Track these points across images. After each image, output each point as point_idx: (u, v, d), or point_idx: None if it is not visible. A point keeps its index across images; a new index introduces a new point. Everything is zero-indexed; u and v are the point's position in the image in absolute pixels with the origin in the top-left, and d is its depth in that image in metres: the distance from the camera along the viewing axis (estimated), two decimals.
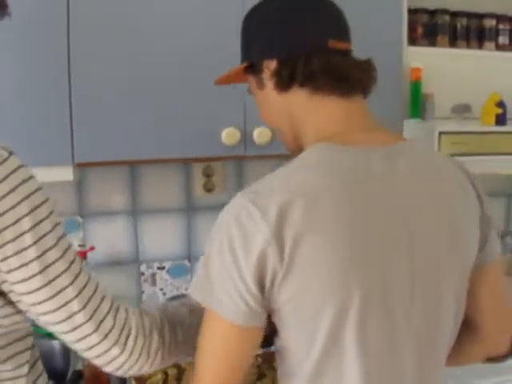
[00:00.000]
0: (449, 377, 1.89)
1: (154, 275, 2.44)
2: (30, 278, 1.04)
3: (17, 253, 1.02)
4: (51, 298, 1.06)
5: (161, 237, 2.43)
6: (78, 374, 1.96)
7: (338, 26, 1.26)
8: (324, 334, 1.13)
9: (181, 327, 1.30)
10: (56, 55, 1.78)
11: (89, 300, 1.11)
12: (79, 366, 1.98)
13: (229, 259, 1.11)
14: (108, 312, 1.14)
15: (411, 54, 2.16)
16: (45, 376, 1.28)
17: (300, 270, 1.09)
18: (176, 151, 1.93)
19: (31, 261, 1.03)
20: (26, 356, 1.18)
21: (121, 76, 1.85)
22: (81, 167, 2.02)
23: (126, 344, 1.16)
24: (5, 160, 1.02)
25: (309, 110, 1.24)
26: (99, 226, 2.36)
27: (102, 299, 1.14)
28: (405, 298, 1.17)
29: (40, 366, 1.27)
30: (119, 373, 1.20)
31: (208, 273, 1.15)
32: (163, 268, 2.44)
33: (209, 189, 2.40)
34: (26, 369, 1.18)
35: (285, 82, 1.24)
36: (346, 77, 1.21)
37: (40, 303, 1.07)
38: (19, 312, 1.12)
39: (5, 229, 1.00)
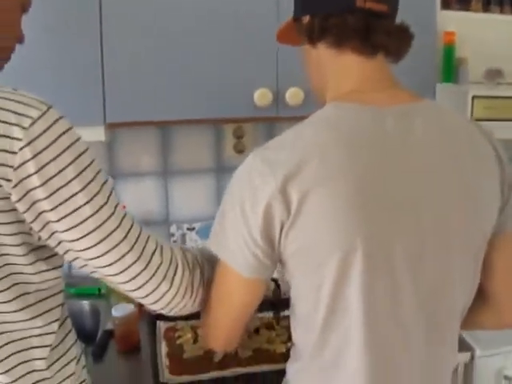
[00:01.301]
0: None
1: (183, 236, 2.45)
2: (81, 223, 1.07)
3: (66, 200, 1.04)
4: (101, 242, 1.09)
5: (191, 198, 2.43)
6: (108, 334, 1.97)
7: None
8: (328, 287, 1.16)
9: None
10: (89, 15, 1.78)
11: (136, 241, 1.15)
12: (109, 326, 1.99)
13: (239, 215, 1.16)
14: (155, 250, 1.18)
15: (445, 19, 2.15)
16: (74, 333, 1.30)
17: (306, 222, 1.12)
18: (207, 112, 1.92)
19: (81, 206, 1.06)
20: (57, 313, 1.21)
21: (152, 36, 1.84)
22: (112, 128, 2.02)
23: (173, 280, 1.20)
24: (44, 113, 1.03)
25: (330, 65, 1.27)
26: (130, 186, 2.38)
27: (148, 239, 1.18)
28: (411, 256, 1.17)
29: (69, 323, 1.30)
30: (165, 310, 1.25)
31: (223, 225, 1.21)
32: (193, 229, 2.45)
33: (239, 150, 2.39)
34: (55, 326, 1.20)
35: (309, 37, 1.27)
36: (366, 36, 1.21)
37: (90, 248, 1.09)
38: (51, 269, 1.14)
39: (51, 178, 1.02)
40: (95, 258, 1.11)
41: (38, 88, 1.69)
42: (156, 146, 2.37)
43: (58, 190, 1.03)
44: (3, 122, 1.00)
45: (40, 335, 1.16)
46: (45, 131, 1.02)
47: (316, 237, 1.13)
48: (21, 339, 1.15)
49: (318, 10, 1.24)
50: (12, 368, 1.15)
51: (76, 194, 1.05)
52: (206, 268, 1.30)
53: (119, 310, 1.94)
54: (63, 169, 1.03)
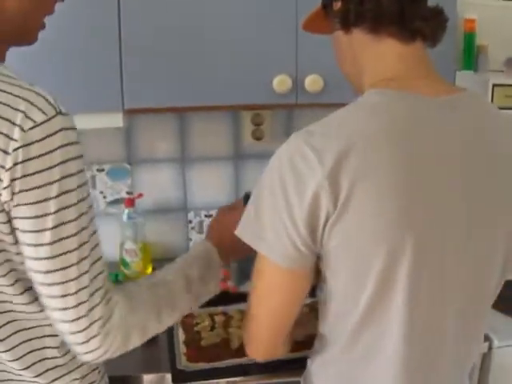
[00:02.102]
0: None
1: (201, 223, 2.46)
2: (40, 246, 1.03)
3: (37, 217, 1.01)
4: (55, 271, 1.05)
5: (208, 185, 2.43)
6: None
7: None
8: (374, 280, 1.12)
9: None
10: (107, 4, 1.77)
11: (86, 272, 1.08)
12: None
13: (281, 202, 1.11)
14: (99, 303, 1.11)
15: (465, 5, 2.13)
16: None
17: (353, 214, 1.08)
18: (225, 98, 1.91)
19: (46, 230, 1.02)
20: None
21: (170, 21, 1.83)
22: (130, 114, 2.02)
23: (105, 339, 1.12)
24: (49, 119, 1.00)
25: (367, 52, 1.24)
26: (147, 173, 2.38)
27: (99, 280, 1.11)
28: (457, 249, 1.15)
29: None
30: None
31: (258, 214, 1.16)
32: (211, 216, 2.44)
33: (257, 137, 2.37)
34: None
35: (343, 22, 1.24)
36: (402, 21, 1.18)
37: (40, 271, 1.06)
38: None
39: (32, 189, 1.00)
40: (40, 276, 1.06)
41: (57, 73, 1.72)
42: (174, 133, 2.36)
43: (33, 203, 1.01)
44: (9, 121, 0.98)
45: (51, 325, 1.15)
46: (42, 139, 0.99)
47: (362, 231, 1.09)
48: (33, 327, 1.15)
49: None
50: (24, 355, 1.15)
51: (48, 214, 1.01)
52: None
53: None
54: (47, 184, 1.00)
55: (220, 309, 1.98)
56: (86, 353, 1.12)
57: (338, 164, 1.06)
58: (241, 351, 1.72)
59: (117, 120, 1.86)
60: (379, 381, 1.22)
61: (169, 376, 1.68)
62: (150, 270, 2.30)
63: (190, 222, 2.45)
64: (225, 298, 1.75)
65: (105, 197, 2.37)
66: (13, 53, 1.13)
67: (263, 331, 1.28)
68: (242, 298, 1.84)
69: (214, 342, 1.82)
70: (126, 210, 2.25)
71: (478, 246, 1.18)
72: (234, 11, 1.85)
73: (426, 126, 1.14)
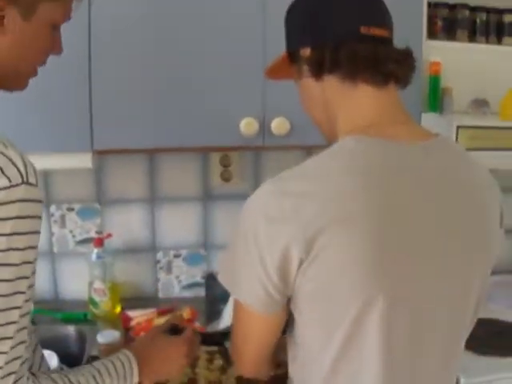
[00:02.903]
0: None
1: (169, 263, 2.46)
2: None
3: None
4: None
5: (177, 225, 2.43)
6: (94, 360, 1.93)
7: (372, 12, 1.20)
8: (348, 324, 1.10)
9: None
10: (77, 45, 1.78)
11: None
12: (94, 352, 1.97)
13: (253, 248, 1.10)
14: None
15: (430, 48, 2.13)
16: None
17: (325, 264, 1.06)
18: (194, 140, 1.93)
19: None
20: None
21: (139, 64, 1.85)
22: (100, 155, 2.02)
23: None
24: (8, 187, 0.94)
25: (341, 98, 1.21)
26: (117, 213, 2.38)
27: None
28: (431, 298, 1.15)
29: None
30: None
31: (233, 258, 1.16)
32: (179, 256, 2.45)
33: (226, 178, 2.39)
34: None
35: (315, 69, 1.20)
36: (376, 65, 1.17)
37: None
38: None
39: None
40: None
41: (25, 113, 1.73)
42: (144, 173, 2.37)
43: None
44: None
45: None
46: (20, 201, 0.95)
47: (336, 280, 1.08)
48: None
49: (319, 40, 1.19)
50: None
51: None
52: None
53: (104, 336, 1.93)
54: None
55: None
56: None
57: (313, 213, 1.05)
58: None
59: (86, 161, 1.87)
60: None
61: None
62: (118, 309, 2.29)
63: (159, 261, 2.45)
64: None
65: (74, 236, 2.37)
66: None
67: (247, 360, 1.30)
68: (210, 338, 1.85)
69: (181, 382, 1.80)
70: (95, 250, 2.25)
71: (453, 288, 1.17)
72: (204, 52, 1.88)
73: (401, 174, 1.12)
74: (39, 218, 1.00)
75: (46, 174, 2.26)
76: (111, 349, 1.86)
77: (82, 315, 2.26)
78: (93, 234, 2.37)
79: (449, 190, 1.16)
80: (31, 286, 1.01)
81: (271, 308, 1.15)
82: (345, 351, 1.13)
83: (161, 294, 2.48)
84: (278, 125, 1.92)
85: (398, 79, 1.21)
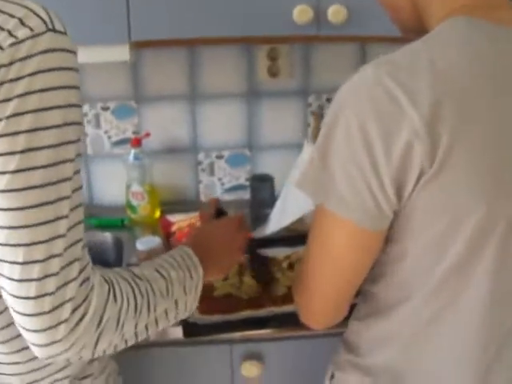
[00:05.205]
0: None
1: (211, 164, 2.35)
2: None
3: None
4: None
5: (220, 124, 2.30)
6: None
7: None
8: (458, 249, 0.99)
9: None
10: None
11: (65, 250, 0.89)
12: (133, 260, 1.88)
13: (360, 148, 0.94)
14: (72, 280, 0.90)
15: None
16: None
17: (453, 171, 0.93)
18: (239, 29, 1.77)
19: (7, 173, 0.85)
20: None
21: None
22: (137, 48, 1.93)
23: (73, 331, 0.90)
24: (37, 35, 0.84)
25: None
26: (155, 111, 2.25)
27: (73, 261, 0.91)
28: None
29: None
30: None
31: (326, 162, 0.99)
32: (222, 157, 2.34)
33: (273, 73, 2.23)
34: None
35: None
36: None
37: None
38: None
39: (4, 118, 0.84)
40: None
41: (56, 2, 1.58)
42: (183, 68, 2.22)
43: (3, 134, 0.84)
44: None
45: None
46: (24, 59, 0.83)
47: (459, 189, 0.95)
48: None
49: None
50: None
51: (14, 153, 0.84)
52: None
53: (144, 244, 1.83)
54: (19, 114, 0.83)
55: None
56: (40, 345, 0.90)
57: (435, 108, 0.90)
58: (257, 303, 1.67)
59: (123, 53, 1.74)
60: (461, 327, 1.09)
61: (179, 330, 1.58)
62: (157, 213, 2.23)
63: (200, 163, 2.34)
64: None
65: (109, 137, 2.26)
66: None
67: (329, 303, 1.13)
68: (257, 244, 1.82)
69: (228, 291, 1.72)
70: (133, 151, 2.16)
71: None
72: None
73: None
74: (74, 70, 0.90)
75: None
76: (151, 256, 1.75)
77: (118, 221, 2.20)
78: (130, 135, 2.26)
79: None
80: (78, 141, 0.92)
81: (377, 224, 0.99)
82: (454, 272, 1.02)
83: (202, 198, 2.39)
84: (335, 12, 1.73)
85: None
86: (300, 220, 1.98)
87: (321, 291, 1.11)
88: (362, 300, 1.21)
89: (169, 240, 2.02)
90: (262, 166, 2.35)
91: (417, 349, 1.12)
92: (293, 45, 2.22)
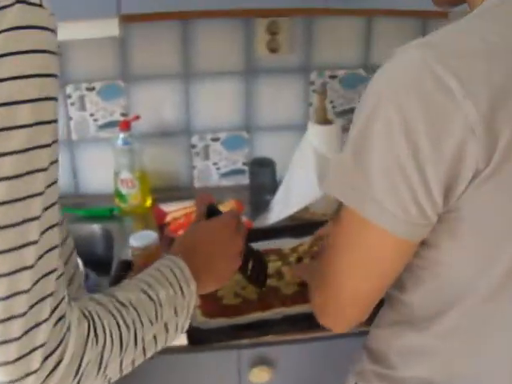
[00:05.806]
0: None
1: (206, 148, 2.25)
2: None
3: None
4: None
5: (215, 104, 2.21)
6: (127, 266, 1.74)
7: None
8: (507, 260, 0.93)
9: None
10: None
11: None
12: (126, 256, 1.77)
13: (404, 150, 0.84)
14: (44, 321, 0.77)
15: None
16: None
17: (510, 170, 0.84)
18: (237, 1, 1.69)
19: None
20: None
21: None
22: (127, 22, 1.84)
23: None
24: (2, 8, 0.69)
25: None
26: (145, 91, 2.15)
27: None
28: None
29: None
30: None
31: (360, 162, 0.89)
32: (217, 139, 2.25)
33: (273, 48, 2.12)
34: None
35: None
36: None
37: None
38: None
39: None
40: None
41: None
42: (176, 44, 2.11)
43: None
44: None
45: None
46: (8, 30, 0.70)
47: None
48: None
49: None
50: None
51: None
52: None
53: (138, 239, 1.70)
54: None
55: None
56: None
57: (494, 99, 0.81)
58: (265, 303, 1.57)
59: (112, 28, 1.68)
60: None
61: (183, 336, 1.47)
62: (149, 202, 2.14)
63: (194, 146, 2.25)
64: None
65: (96, 119, 2.16)
66: None
67: (355, 309, 1.05)
68: (258, 234, 1.78)
69: (233, 291, 1.61)
70: (121, 135, 2.07)
71: None
72: None
73: None
74: (51, 53, 0.76)
75: (60, 49, 1.99)
76: (148, 254, 1.68)
77: (107, 211, 2.11)
78: (117, 117, 2.16)
79: None
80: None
81: (419, 232, 0.92)
82: (504, 283, 0.96)
83: (197, 184, 2.30)
84: None
85: None
86: (305, 208, 1.94)
87: (348, 294, 1.04)
88: (387, 306, 1.15)
89: (163, 231, 1.94)
90: (261, 148, 2.27)
91: (461, 363, 1.07)
92: (294, 18, 2.12)
